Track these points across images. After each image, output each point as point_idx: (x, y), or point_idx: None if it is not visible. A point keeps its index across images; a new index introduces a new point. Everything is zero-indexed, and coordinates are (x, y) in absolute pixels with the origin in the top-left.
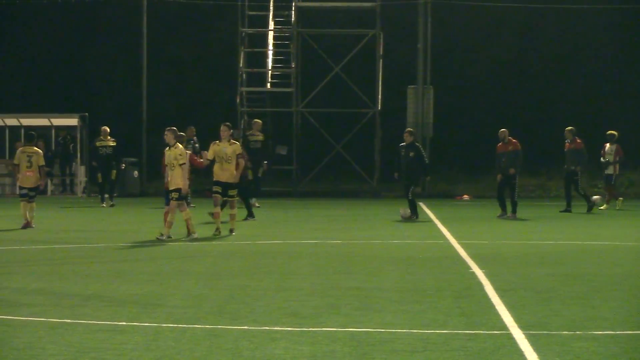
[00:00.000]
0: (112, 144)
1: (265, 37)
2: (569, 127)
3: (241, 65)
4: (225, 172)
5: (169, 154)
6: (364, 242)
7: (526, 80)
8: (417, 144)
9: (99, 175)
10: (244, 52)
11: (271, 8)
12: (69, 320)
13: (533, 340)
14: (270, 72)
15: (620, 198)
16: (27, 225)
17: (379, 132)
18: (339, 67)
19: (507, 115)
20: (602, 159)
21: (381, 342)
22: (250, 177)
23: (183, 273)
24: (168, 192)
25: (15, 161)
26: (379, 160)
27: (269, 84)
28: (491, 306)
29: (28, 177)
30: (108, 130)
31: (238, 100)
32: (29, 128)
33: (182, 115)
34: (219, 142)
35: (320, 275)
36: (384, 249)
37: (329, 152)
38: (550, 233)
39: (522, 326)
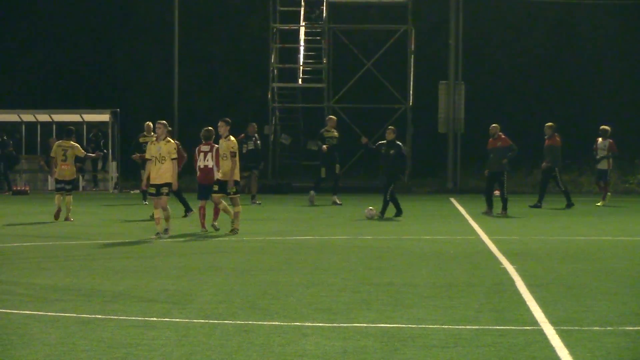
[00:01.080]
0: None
1: (296, 32)
2: (549, 123)
3: (273, 61)
4: (162, 173)
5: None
6: (395, 238)
7: (559, 75)
8: (398, 142)
9: (143, 171)
10: (275, 47)
11: (303, 3)
12: (100, 316)
13: (564, 336)
14: (301, 67)
15: (608, 194)
16: (58, 213)
17: (410, 127)
18: (371, 62)
19: (539, 111)
20: (594, 154)
21: (412, 337)
22: (323, 174)
23: (214, 268)
24: (202, 186)
25: (52, 154)
26: (410, 156)
27: (300, 80)
28: (522, 302)
29: (63, 170)
30: (152, 126)
31: (269, 96)
32: (60, 124)
33: (213, 111)
34: (156, 140)
35: (352, 271)
36: (415, 245)
37: (360, 148)
38: (581, 228)
39: (553, 322)
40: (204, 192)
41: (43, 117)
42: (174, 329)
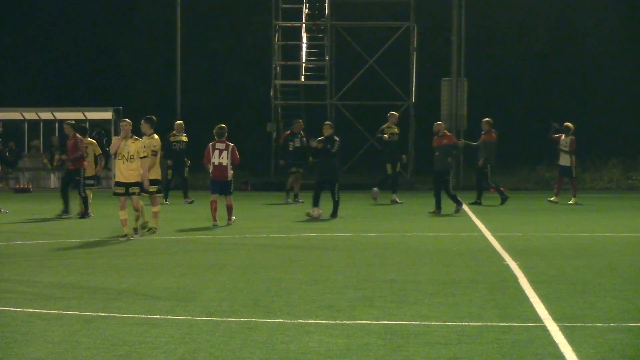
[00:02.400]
0: (184, 139)
1: (299, 29)
2: (487, 119)
3: (275, 58)
4: (131, 172)
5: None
6: (398, 235)
7: (561, 71)
8: (336, 137)
9: (170, 172)
10: (278, 45)
11: (305, 1)
12: (103, 314)
13: (567, 333)
14: (304, 65)
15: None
16: (85, 214)
17: (413, 124)
18: (373, 59)
19: (541, 107)
20: (549, 134)
21: (415, 334)
22: (389, 171)
23: (217, 266)
24: (215, 182)
25: None
26: (413, 153)
27: (303, 77)
28: (525, 298)
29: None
30: (183, 125)
31: (272, 93)
32: (62, 122)
33: (216, 108)
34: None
35: (355, 268)
36: (418, 242)
37: (363, 145)
38: (584, 225)
39: (557, 318)
40: (217, 187)
41: (46, 115)
42: (177, 327)
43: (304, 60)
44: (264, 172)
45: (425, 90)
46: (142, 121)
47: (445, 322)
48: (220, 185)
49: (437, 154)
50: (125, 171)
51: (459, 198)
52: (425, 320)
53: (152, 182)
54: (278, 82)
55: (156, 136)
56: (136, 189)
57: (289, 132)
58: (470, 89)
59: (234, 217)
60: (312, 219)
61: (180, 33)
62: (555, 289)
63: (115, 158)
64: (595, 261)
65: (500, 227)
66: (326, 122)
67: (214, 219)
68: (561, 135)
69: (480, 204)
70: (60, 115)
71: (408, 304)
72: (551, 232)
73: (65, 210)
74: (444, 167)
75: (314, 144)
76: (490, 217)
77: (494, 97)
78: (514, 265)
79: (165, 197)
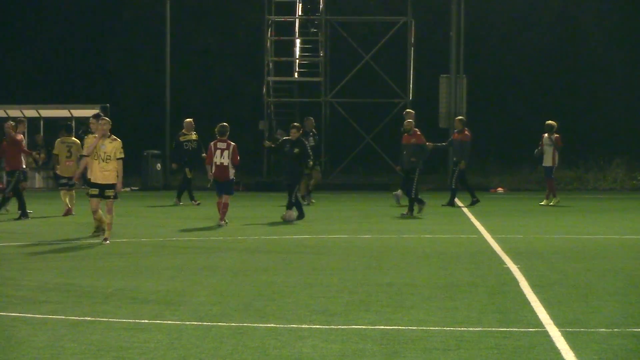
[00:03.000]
0: (195, 137)
1: (292, 24)
2: (459, 117)
3: (268, 54)
4: (106, 173)
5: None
6: (396, 237)
7: (563, 68)
8: (303, 139)
9: (188, 170)
10: (270, 40)
11: None
12: (89, 318)
13: (570, 338)
14: (298, 61)
15: (554, 197)
16: (68, 212)
17: None
18: (369, 55)
19: (542, 105)
20: (536, 151)
21: (413, 340)
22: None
23: (208, 269)
24: (219, 183)
25: (55, 151)
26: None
27: (296, 74)
28: (526, 302)
29: (68, 167)
30: (193, 123)
31: (264, 90)
32: (48, 119)
33: (206, 105)
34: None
35: (350, 271)
36: (416, 244)
37: (358, 144)
38: (587, 227)
39: (559, 323)
40: (219, 187)
41: (30, 113)
42: (166, 332)
43: (297, 56)
44: (256, 171)
45: (423, 88)
46: (92, 119)
47: (444, 327)
48: (220, 185)
49: (405, 152)
50: (99, 172)
51: (417, 202)
52: (423, 325)
53: (110, 186)
54: (271, 78)
55: (118, 140)
56: (111, 192)
57: (301, 131)
58: (470, 87)
59: (226, 221)
60: (287, 222)
61: (169, 28)
62: (557, 292)
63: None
64: (599, 264)
65: (500, 228)
66: (294, 125)
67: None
68: (543, 135)
69: (478, 201)
70: (46, 112)
71: (405, 308)
72: (553, 234)
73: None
74: (410, 167)
75: (266, 144)
76: (490, 218)
77: (494, 94)
78: (514, 268)
79: (191, 197)
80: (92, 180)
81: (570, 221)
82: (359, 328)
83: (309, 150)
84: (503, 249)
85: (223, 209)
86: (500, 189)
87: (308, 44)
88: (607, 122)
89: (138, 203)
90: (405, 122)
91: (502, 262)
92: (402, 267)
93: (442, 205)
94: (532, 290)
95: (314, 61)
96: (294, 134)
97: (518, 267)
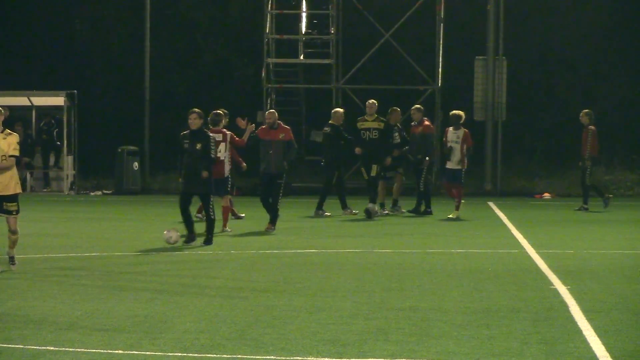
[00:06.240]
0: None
1: None
2: (417, 105)
3: (267, 31)
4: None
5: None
6: (420, 252)
7: (623, 50)
8: (207, 131)
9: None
10: (271, 14)
11: None
12: (52, 348)
13: None
14: (304, 39)
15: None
16: None
17: (439, 114)
18: (390, 33)
19: (597, 95)
20: (444, 149)
21: None
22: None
23: (195, 289)
24: (214, 181)
25: None
26: (439, 149)
27: (302, 55)
28: (577, 331)
29: None
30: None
31: (264, 74)
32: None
33: (194, 92)
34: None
35: (366, 293)
36: (444, 260)
37: None
38: None
39: (616, 356)
40: (217, 188)
41: None
42: None
43: (303, 34)
44: (254, 172)
45: (455, 72)
46: None
47: (479, 359)
48: (214, 183)
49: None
50: None
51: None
52: (453, 358)
53: (11, 198)
54: (271, 60)
55: (13, 133)
56: (14, 206)
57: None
58: (511, 71)
59: (229, 229)
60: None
61: None
62: (614, 319)
63: None
64: None
65: (546, 242)
66: (193, 110)
67: (224, 225)
68: (447, 130)
69: (429, 213)
70: (1, 100)
71: (432, 338)
72: (610, 249)
73: None
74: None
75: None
76: (535, 229)
77: (541, 81)
78: (563, 290)
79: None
80: None
81: (631, 234)
82: None
83: (213, 146)
84: (550, 266)
85: (224, 214)
86: (547, 195)
87: (316, 19)
88: None
89: (111, 209)
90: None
91: (549, 283)
92: (427, 288)
93: (409, 211)
94: (585, 316)
95: (324, 39)
96: (194, 121)
97: (568, 289)
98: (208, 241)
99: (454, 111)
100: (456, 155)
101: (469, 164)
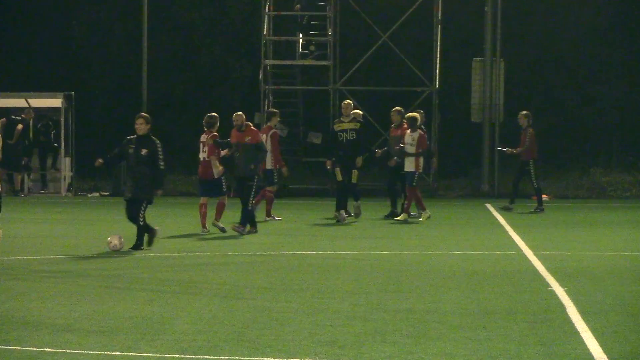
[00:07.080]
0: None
1: None
2: (397, 108)
3: (265, 32)
4: None
5: None
6: (418, 253)
7: (620, 52)
8: (154, 137)
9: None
10: (269, 15)
11: None
12: (49, 349)
13: None
14: (301, 41)
15: (428, 213)
16: None
17: (436, 116)
18: (387, 34)
19: (596, 95)
20: (397, 147)
21: None
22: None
23: (192, 290)
24: (203, 181)
25: None
26: (437, 151)
27: (300, 56)
28: (575, 333)
29: None
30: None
31: (261, 76)
32: (1, 110)
33: (191, 94)
34: None
35: (363, 294)
36: (442, 262)
37: (374, 141)
38: None
39: (613, 357)
40: (205, 188)
41: None
42: None
43: (301, 36)
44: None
45: (452, 74)
46: None
47: None
48: (208, 185)
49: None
50: None
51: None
52: (450, 359)
53: None
54: (269, 62)
55: None
56: None
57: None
58: (508, 73)
59: (221, 224)
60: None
61: (147, 1)
62: (611, 321)
63: None
64: None
65: (544, 243)
66: (140, 114)
67: (203, 226)
68: (403, 131)
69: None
70: None
71: (429, 340)
72: (607, 250)
73: None
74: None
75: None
76: (532, 231)
77: (538, 82)
78: (560, 292)
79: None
80: None
81: (628, 235)
82: None
83: (160, 153)
84: (547, 268)
85: (219, 209)
86: (544, 196)
87: (314, 20)
88: None
89: (108, 211)
90: (235, 115)
91: (546, 285)
92: (425, 290)
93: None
94: (582, 318)
95: (321, 41)
96: (140, 126)
97: (565, 291)
98: (136, 246)
99: (410, 113)
100: (410, 158)
101: (424, 166)
